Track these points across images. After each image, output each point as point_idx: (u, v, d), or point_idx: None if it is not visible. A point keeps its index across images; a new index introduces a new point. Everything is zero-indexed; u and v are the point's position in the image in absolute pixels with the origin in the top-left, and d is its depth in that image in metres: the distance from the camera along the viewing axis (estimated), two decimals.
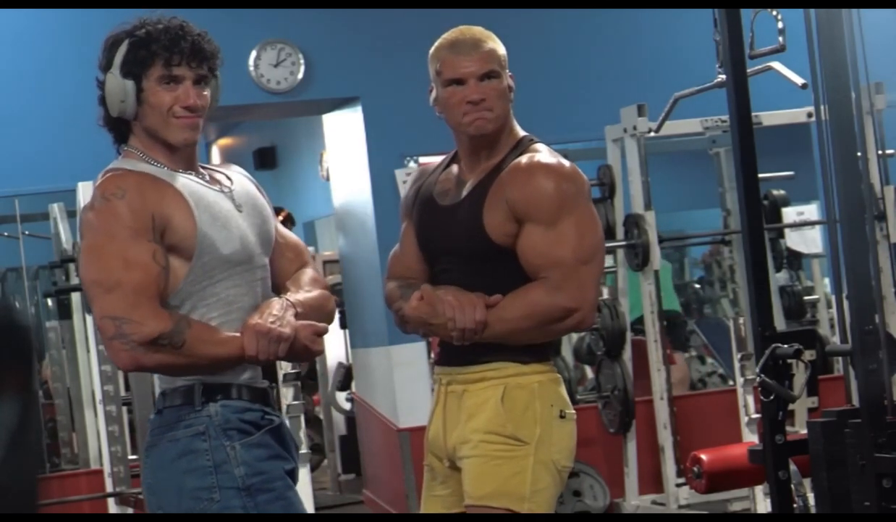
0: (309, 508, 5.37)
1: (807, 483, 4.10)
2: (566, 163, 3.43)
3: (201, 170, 3.13)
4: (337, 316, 9.38)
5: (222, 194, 3.09)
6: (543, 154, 3.43)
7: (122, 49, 3.06)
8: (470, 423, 3.41)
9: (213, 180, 3.13)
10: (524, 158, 3.42)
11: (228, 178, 3.17)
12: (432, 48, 3.51)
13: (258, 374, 3.09)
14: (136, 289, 2.91)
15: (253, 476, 2.98)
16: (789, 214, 7.88)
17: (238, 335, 3.00)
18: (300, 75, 7.71)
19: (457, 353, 3.44)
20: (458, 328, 3.33)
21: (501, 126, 3.45)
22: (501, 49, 3.48)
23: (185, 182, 3.04)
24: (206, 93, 3.07)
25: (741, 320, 6.38)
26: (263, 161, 12.05)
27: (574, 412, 3.48)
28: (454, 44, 3.46)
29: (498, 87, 3.44)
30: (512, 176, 3.40)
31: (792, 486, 3.76)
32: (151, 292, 2.93)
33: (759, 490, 6.23)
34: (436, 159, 3.67)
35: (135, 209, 2.96)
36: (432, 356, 8.02)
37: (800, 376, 3.71)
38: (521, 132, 3.50)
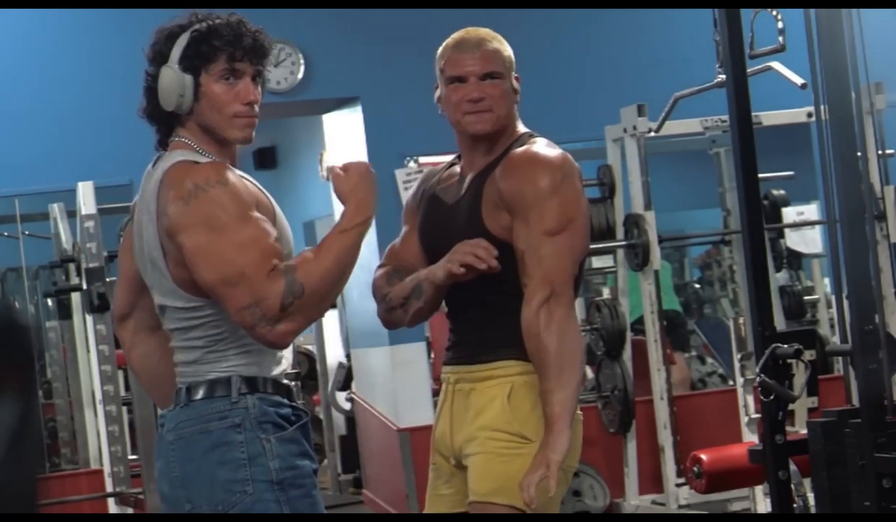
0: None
1: (807, 483, 4.10)
2: (556, 152, 3.42)
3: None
4: (337, 316, 9.42)
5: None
6: (537, 145, 3.44)
7: (182, 43, 2.99)
8: (476, 421, 3.41)
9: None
10: (517, 150, 3.43)
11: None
12: (439, 48, 3.52)
13: (283, 370, 3.07)
14: (254, 270, 2.87)
15: (286, 471, 2.97)
16: (789, 214, 7.88)
17: (347, 221, 3.03)
18: (300, 75, 7.71)
19: (465, 352, 3.45)
20: (475, 261, 3.33)
21: (502, 127, 3.46)
22: (507, 50, 3.48)
23: (246, 179, 3.03)
24: (259, 89, 3.06)
25: (741, 320, 6.38)
26: (263, 161, 12.04)
27: (581, 413, 3.47)
28: (459, 43, 3.48)
29: (499, 87, 3.43)
30: (502, 167, 3.41)
31: (792, 486, 3.76)
32: (268, 264, 2.88)
33: (759, 490, 6.23)
34: (435, 159, 3.68)
35: (238, 193, 2.92)
36: (432, 355, 8.02)
37: (800, 376, 3.71)
38: (523, 129, 3.51)
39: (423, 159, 7.62)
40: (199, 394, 3.00)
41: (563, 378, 3.28)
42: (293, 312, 2.89)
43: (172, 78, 3.00)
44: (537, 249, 3.33)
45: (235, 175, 2.97)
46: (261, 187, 3.04)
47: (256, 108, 3.04)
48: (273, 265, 2.89)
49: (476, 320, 3.45)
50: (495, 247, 3.37)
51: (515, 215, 3.37)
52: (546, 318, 3.30)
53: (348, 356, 9.04)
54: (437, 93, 3.51)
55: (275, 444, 2.97)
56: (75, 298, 7.11)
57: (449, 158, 3.64)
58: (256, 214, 2.92)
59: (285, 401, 3.03)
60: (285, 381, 3.07)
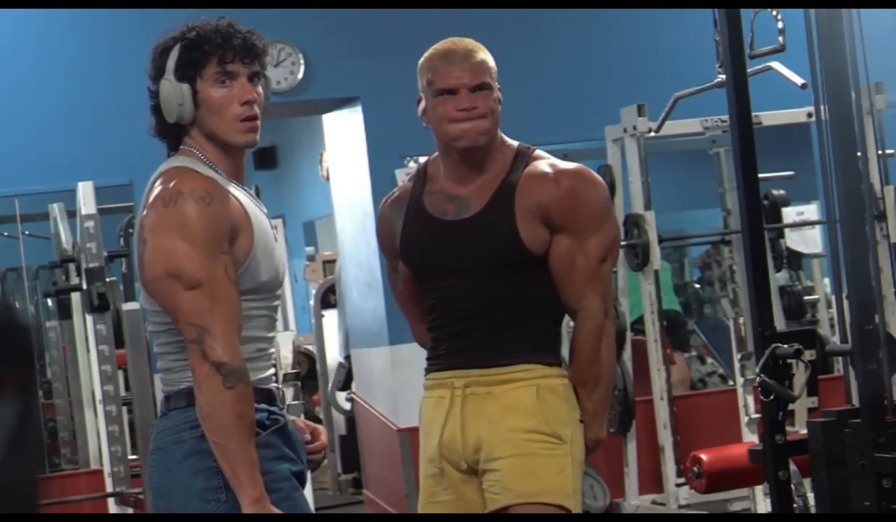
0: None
1: (807, 483, 4.10)
2: (584, 167, 3.53)
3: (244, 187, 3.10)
4: (335, 319, 9.42)
5: (266, 218, 3.09)
6: (559, 160, 3.49)
7: (174, 54, 3.01)
8: (505, 423, 3.40)
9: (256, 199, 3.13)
10: (544, 165, 3.45)
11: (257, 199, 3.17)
12: (422, 59, 3.48)
13: (267, 376, 3.07)
14: (220, 306, 2.89)
15: (259, 476, 2.97)
16: (789, 214, 7.88)
17: (258, 473, 2.92)
18: (300, 75, 7.71)
19: (476, 356, 3.45)
20: None
21: (492, 139, 3.44)
22: (492, 61, 3.46)
23: (246, 200, 3.02)
24: (259, 89, 3.05)
25: (741, 320, 6.38)
26: (263, 161, 12.04)
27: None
28: (446, 54, 3.44)
29: (489, 98, 3.42)
30: (539, 182, 3.42)
31: (792, 486, 3.76)
32: (233, 312, 2.91)
33: (759, 490, 6.23)
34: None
35: (219, 219, 2.92)
36: None
37: (800, 376, 3.71)
38: (511, 140, 3.51)
39: (423, 159, 7.60)
40: (175, 404, 3.01)
41: (606, 400, 3.53)
42: (211, 376, 2.88)
43: (170, 89, 3.01)
44: (594, 273, 3.43)
45: (223, 198, 2.95)
46: (246, 203, 3.02)
47: (256, 107, 3.03)
48: (237, 329, 2.91)
49: (490, 324, 3.45)
50: (523, 259, 3.41)
51: (567, 234, 3.41)
52: (606, 341, 3.47)
53: (347, 358, 9.04)
54: (422, 105, 3.47)
55: None
56: (75, 298, 7.11)
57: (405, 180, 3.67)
58: (223, 251, 2.92)
59: (261, 406, 3.01)
60: (269, 385, 3.06)
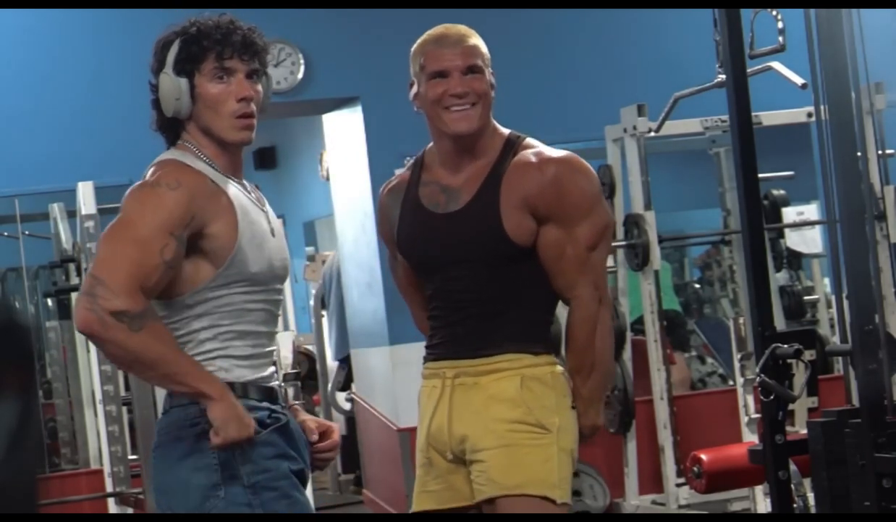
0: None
1: (807, 483, 4.10)
2: (571, 154, 3.47)
3: (244, 182, 3.12)
4: (326, 321, 9.41)
5: (262, 213, 3.10)
6: (547, 148, 3.47)
7: (174, 48, 3.03)
8: (489, 413, 3.40)
9: (255, 196, 3.13)
10: (530, 155, 3.43)
11: (262, 199, 3.17)
12: (415, 44, 3.51)
13: (268, 374, 3.08)
14: (128, 263, 2.89)
15: (258, 474, 2.97)
16: (789, 214, 7.88)
17: (208, 374, 2.94)
18: (300, 75, 7.71)
19: (465, 346, 3.45)
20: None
21: (483, 125, 3.44)
22: (485, 47, 3.48)
23: (236, 193, 3.03)
24: (258, 87, 3.06)
25: (741, 320, 6.38)
26: (263, 161, 12.04)
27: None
28: (439, 38, 3.47)
29: (481, 82, 3.43)
30: (524, 173, 3.41)
31: (792, 486, 3.76)
32: (140, 274, 2.89)
33: (759, 490, 6.23)
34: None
35: (179, 204, 2.94)
36: None
37: (800, 376, 3.71)
38: (502, 128, 3.51)
39: None
40: (177, 401, 3.02)
41: (602, 387, 3.55)
42: (114, 327, 2.87)
43: (168, 83, 3.03)
44: (584, 262, 3.42)
45: (192, 187, 2.97)
46: (235, 196, 3.02)
47: (253, 105, 3.04)
48: (139, 285, 2.89)
49: (478, 315, 3.45)
50: (510, 251, 3.39)
51: (554, 223, 3.40)
52: (601, 328, 3.45)
53: (342, 361, 9.03)
54: (414, 90, 3.49)
55: (246, 448, 2.97)
56: (75, 298, 7.11)
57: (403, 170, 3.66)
58: (171, 233, 2.92)
59: (262, 404, 3.02)
60: (271, 384, 3.07)
